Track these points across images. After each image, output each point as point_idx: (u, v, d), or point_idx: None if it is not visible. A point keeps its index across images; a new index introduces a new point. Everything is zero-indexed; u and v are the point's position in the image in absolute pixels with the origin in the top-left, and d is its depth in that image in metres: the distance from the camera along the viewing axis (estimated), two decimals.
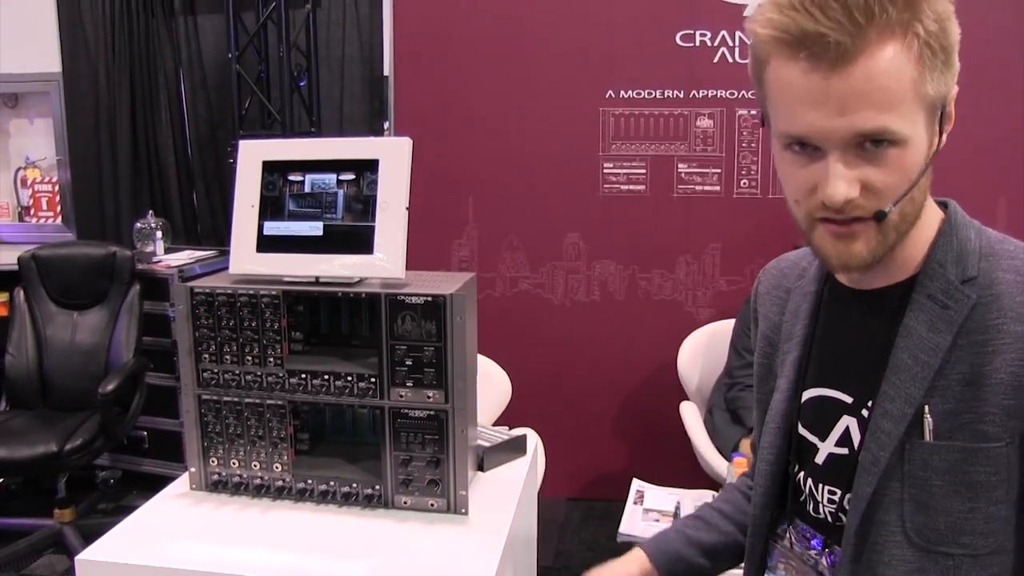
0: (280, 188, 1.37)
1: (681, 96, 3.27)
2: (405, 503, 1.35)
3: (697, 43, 3.22)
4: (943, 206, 0.94)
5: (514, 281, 3.47)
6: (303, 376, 1.34)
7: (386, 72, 3.67)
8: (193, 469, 1.42)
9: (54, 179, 4.19)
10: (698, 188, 3.32)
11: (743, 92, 3.21)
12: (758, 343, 1.13)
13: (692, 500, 2.36)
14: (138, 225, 3.76)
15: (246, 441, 1.38)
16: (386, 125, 3.71)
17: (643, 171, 3.33)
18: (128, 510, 1.36)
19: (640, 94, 3.29)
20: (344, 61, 3.75)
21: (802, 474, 1.01)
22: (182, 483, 1.44)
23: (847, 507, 0.93)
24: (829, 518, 0.97)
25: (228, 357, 1.36)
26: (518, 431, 1.63)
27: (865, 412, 0.92)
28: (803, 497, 1.01)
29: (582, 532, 3.28)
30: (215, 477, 1.41)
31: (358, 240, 1.32)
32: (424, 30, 3.39)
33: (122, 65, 3.87)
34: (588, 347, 3.46)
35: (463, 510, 1.34)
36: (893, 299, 0.92)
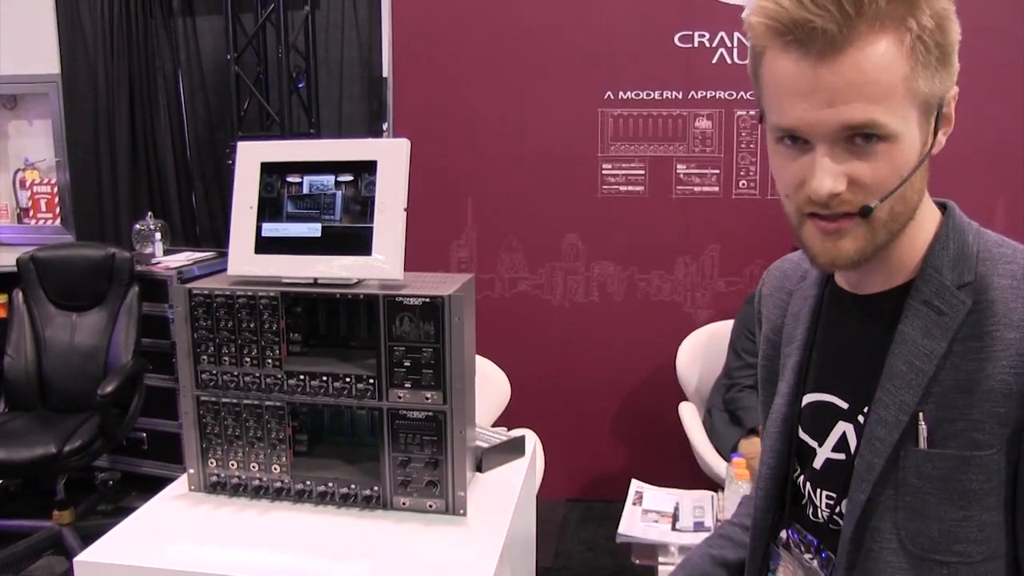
0: (278, 189, 1.37)
1: (680, 97, 3.27)
2: (403, 504, 1.35)
3: (696, 44, 3.23)
4: (942, 208, 0.93)
5: (513, 282, 3.47)
6: (301, 377, 1.34)
7: (385, 73, 3.68)
8: (192, 470, 1.42)
9: (53, 181, 4.19)
10: (697, 189, 3.32)
11: (742, 93, 3.22)
12: (761, 345, 1.12)
13: (691, 501, 2.36)
14: (137, 227, 3.76)
15: (244, 442, 1.38)
16: (385, 126, 3.71)
17: (642, 172, 3.33)
18: (127, 511, 1.36)
19: (639, 95, 3.29)
20: (343, 62, 3.75)
21: (802, 478, 1.01)
22: (181, 484, 1.44)
23: (844, 512, 0.93)
24: (827, 523, 0.97)
25: (227, 358, 1.36)
26: (517, 432, 1.63)
27: (861, 418, 0.92)
28: (803, 501, 1.01)
29: (581, 533, 3.29)
30: (214, 478, 1.41)
31: (356, 241, 1.32)
32: (423, 31, 3.39)
33: (121, 66, 3.87)
34: (587, 348, 3.46)
35: (461, 511, 1.34)
36: (889, 304, 0.91)
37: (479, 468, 1.50)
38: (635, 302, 3.41)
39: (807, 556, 1.00)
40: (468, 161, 3.42)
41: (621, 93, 3.29)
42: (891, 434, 0.87)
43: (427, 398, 1.31)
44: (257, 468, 1.39)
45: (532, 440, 1.64)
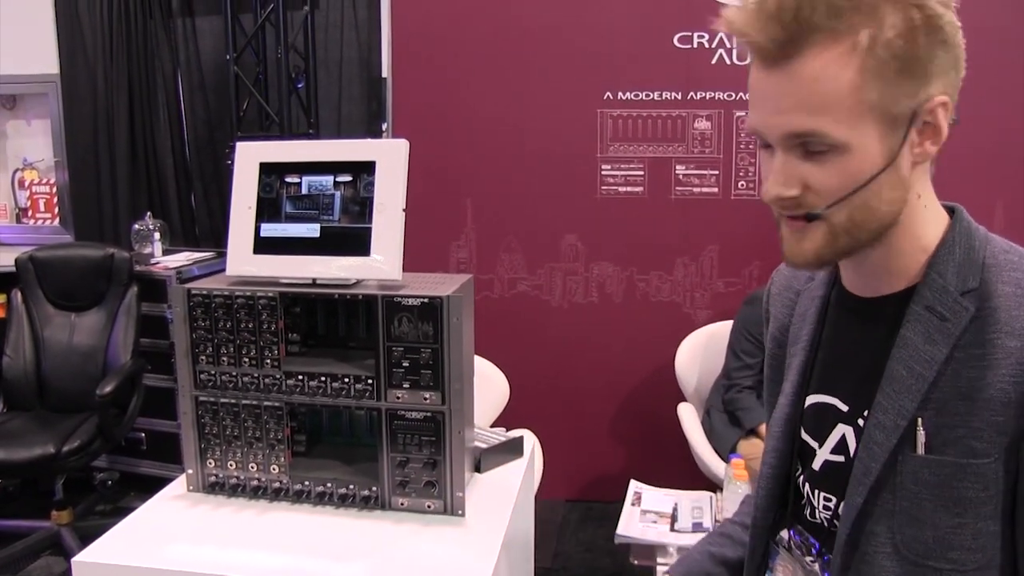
0: (277, 190, 1.37)
1: (679, 98, 3.27)
2: (402, 504, 1.35)
3: (695, 45, 3.23)
4: (950, 212, 0.91)
5: (512, 283, 3.47)
6: (300, 378, 1.34)
7: (384, 74, 3.68)
8: (190, 471, 1.42)
9: (52, 180, 4.19)
10: (696, 190, 3.32)
11: (741, 94, 3.21)
12: (768, 343, 1.12)
13: (690, 501, 2.36)
14: (136, 227, 3.76)
15: (243, 443, 1.38)
16: (384, 127, 3.71)
17: (641, 173, 3.33)
18: (126, 512, 1.36)
19: (638, 96, 3.29)
20: (342, 63, 3.75)
21: (802, 478, 1.01)
22: (179, 485, 1.44)
23: (841, 515, 0.93)
24: (825, 524, 0.97)
25: (225, 359, 1.36)
26: (515, 432, 1.63)
27: (861, 421, 0.92)
28: (803, 501, 1.01)
29: (580, 533, 3.29)
30: (212, 479, 1.41)
31: (355, 242, 1.32)
32: (422, 32, 3.39)
33: (120, 66, 3.87)
34: (586, 349, 3.46)
35: (460, 512, 1.34)
36: (892, 308, 0.90)
37: (478, 469, 1.50)
38: (634, 303, 3.41)
39: (808, 559, 1.00)
40: (468, 162, 3.42)
41: (620, 94, 3.29)
42: (889, 439, 0.87)
43: (425, 398, 1.31)
44: (255, 468, 1.39)
45: (531, 440, 1.64)
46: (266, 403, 1.37)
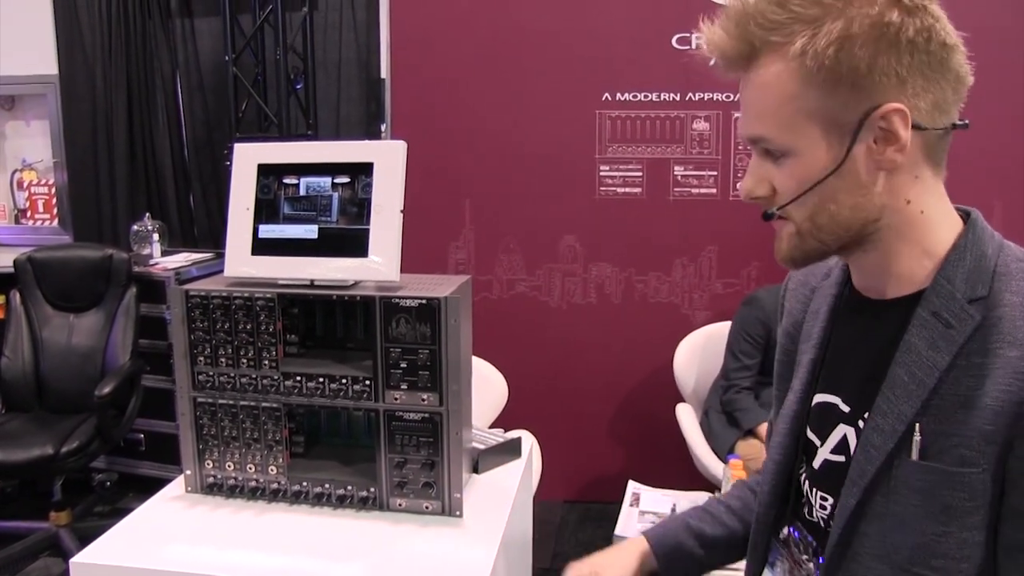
0: (275, 191, 1.37)
1: (677, 99, 3.28)
2: (400, 505, 1.35)
3: (693, 46, 3.23)
4: (965, 216, 0.91)
5: (511, 283, 3.47)
6: (298, 379, 1.34)
7: (383, 75, 3.68)
8: (189, 472, 1.42)
9: (51, 181, 4.19)
10: (694, 191, 3.32)
11: (738, 95, 3.21)
12: (780, 339, 1.13)
13: (688, 502, 2.35)
14: (135, 227, 3.76)
15: (241, 444, 1.39)
16: (383, 128, 3.71)
17: (639, 174, 3.33)
18: (124, 513, 1.36)
19: (636, 97, 3.29)
20: (341, 64, 3.74)
21: (804, 476, 1.02)
22: (178, 486, 1.44)
23: (835, 515, 0.93)
24: (822, 523, 0.98)
25: (223, 360, 1.36)
26: (514, 433, 1.63)
27: (861, 423, 0.92)
28: (803, 499, 1.02)
29: (579, 534, 3.29)
30: (210, 480, 1.41)
31: (353, 243, 1.32)
32: (421, 33, 3.39)
33: (119, 67, 3.87)
34: (585, 349, 3.46)
35: (458, 512, 1.34)
36: (899, 311, 0.90)
37: (476, 469, 1.50)
38: (633, 304, 3.41)
39: (804, 557, 1.00)
40: (466, 163, 3.42)
41: (619, 95, 3.30)
42: (886, 442, 0.87)
43: (423, 399, 1.31)
44: (254, 469, 1.39)
45: (529, 441, 1.64)
46: (264, 404, 1.37)
